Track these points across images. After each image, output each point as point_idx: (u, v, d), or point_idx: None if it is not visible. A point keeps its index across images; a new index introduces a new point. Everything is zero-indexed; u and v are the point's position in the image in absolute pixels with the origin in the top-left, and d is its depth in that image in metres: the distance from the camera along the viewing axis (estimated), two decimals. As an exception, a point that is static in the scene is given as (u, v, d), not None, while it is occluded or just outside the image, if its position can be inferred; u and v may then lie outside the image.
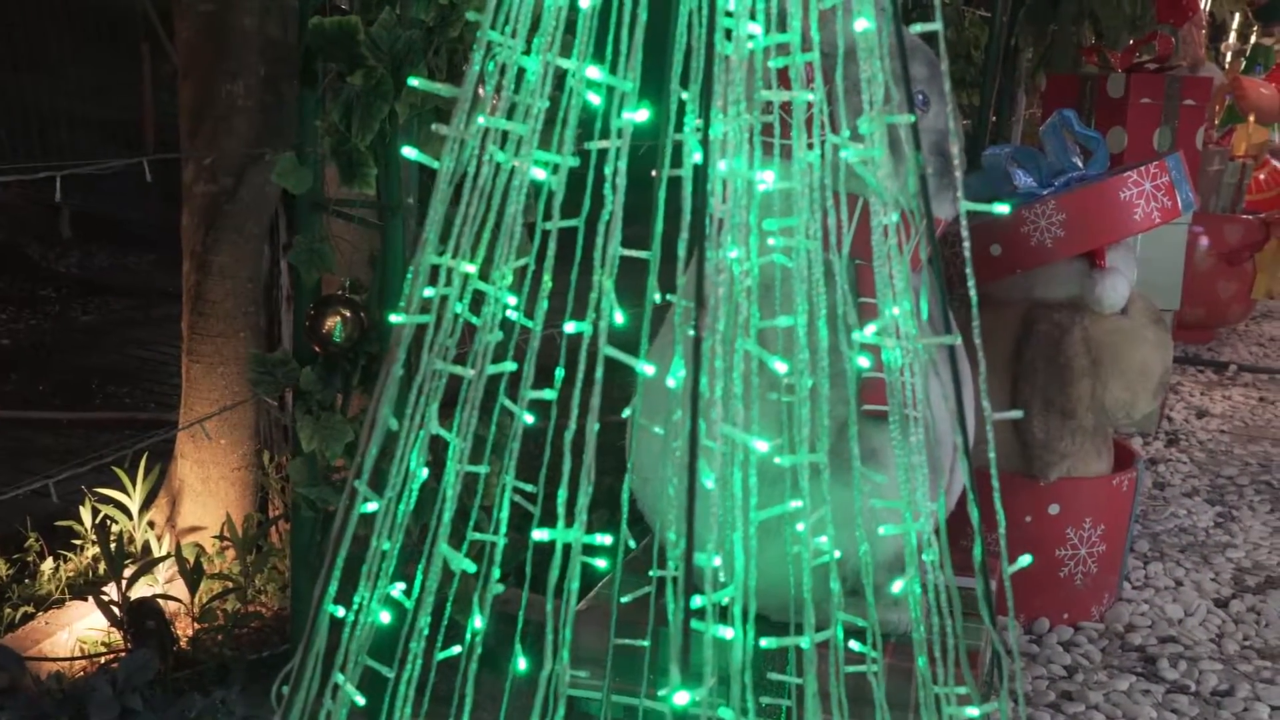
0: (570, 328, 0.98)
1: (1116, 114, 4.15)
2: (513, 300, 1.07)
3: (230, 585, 2.78)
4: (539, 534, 0.97)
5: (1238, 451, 4.34)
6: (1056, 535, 2.95)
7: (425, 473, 1.13)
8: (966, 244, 1.17)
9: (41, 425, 4.62)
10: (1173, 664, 2.78)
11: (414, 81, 1.04)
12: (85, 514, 3.00)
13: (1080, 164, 2.97)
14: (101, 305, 6.23)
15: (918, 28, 1.03)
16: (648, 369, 0.91)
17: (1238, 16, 7.88)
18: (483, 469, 1.15)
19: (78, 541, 3.00)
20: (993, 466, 1.19)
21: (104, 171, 2.38)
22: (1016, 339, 2.92)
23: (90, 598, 2.65)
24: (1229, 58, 7.79)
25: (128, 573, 2.69)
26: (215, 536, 2.91)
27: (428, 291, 1.07)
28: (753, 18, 0.92)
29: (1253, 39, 8.14)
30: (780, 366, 0.94)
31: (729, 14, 0.90)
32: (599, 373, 0.92)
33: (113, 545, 2.79)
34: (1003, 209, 1.01)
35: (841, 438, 1.61)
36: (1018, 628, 2.97)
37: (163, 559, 2.80)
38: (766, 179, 0.93)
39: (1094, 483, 2.96)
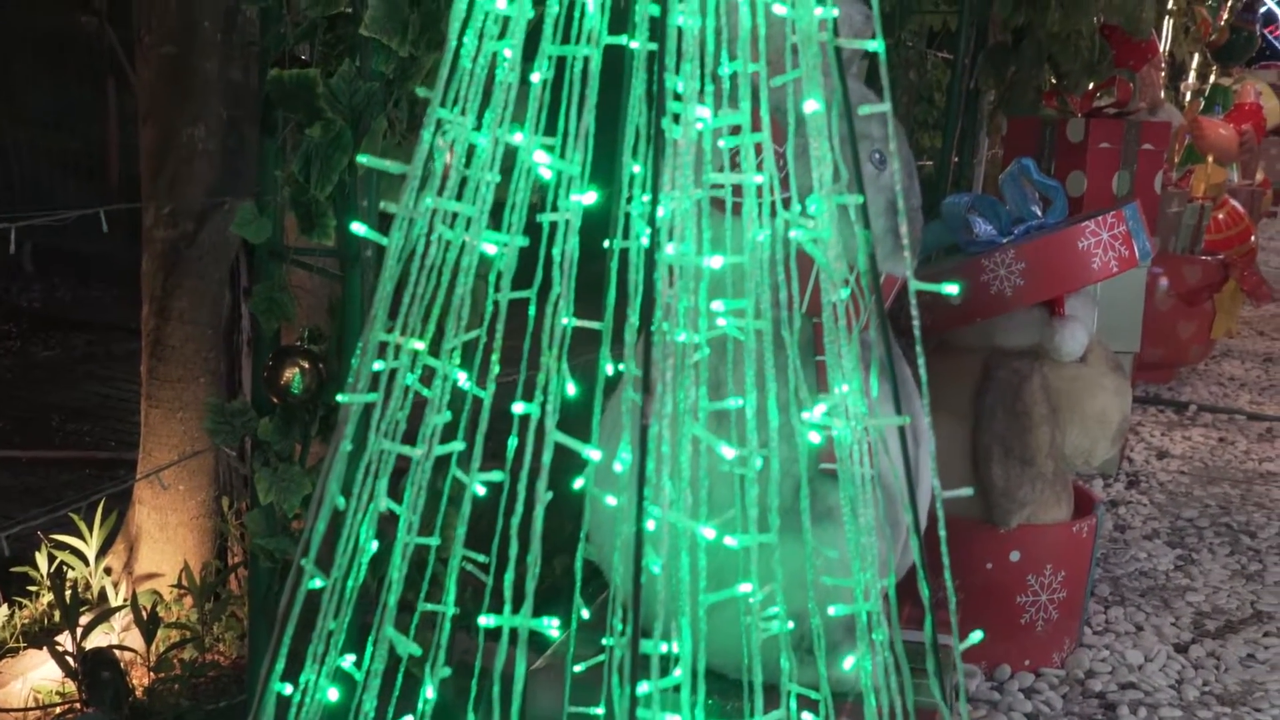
0: (519, 408, 0.98)
1: (1076, 158, 4.19)
2: (463, 376, 1.07)
3: (188, 634, 2.75)
4: (485, 620, 0.96)
5: (1198, 493, 4.37)
6: (1017, 582, 2.96)
7: (375, 545, 1.12)
8: (916, 321, 1.18)
9: (-1, 463, 4.57)
10: (1133, 710, 2.79)
11: (363, 159, 1.04)
12: (41, 559, 2.97)
13: (1040, 212, 3.00)
14: (63, 340, 6.18)
15: (865, 109, 1.04)
16: (594, 454, 0.91)
17: (1197, 57, 7.98)
18: (433, 540, 1.15)
19: (33, 588, 2.97)
20: (941, 528, 1.19)
21: (65, 211, 2.36)
22: (976, 386, 2.94)
23: (45, 647, 2.62)
24: (1188, 97, 7.88)
25: (84, 620, 2.66)
26: (173, 585, 2.89)
27: (377, 365, 1.07)
28: (701, 100, 0.92)
29: (1211, 79, 8.24)
30: (728, 452, 0.94)
31: (677, 97, 0.90)
32: (546, 457, 0.92)
33: (68, 592, 2.76)
34: (952, 289, 1.01)
35: (796, 496, 1.61)
36: (979, 674, 2.97)
37: (118, 609, 2.77)
38: (714, 264, 0.94)
39: (1054, 529, 2.97)
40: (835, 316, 1.03)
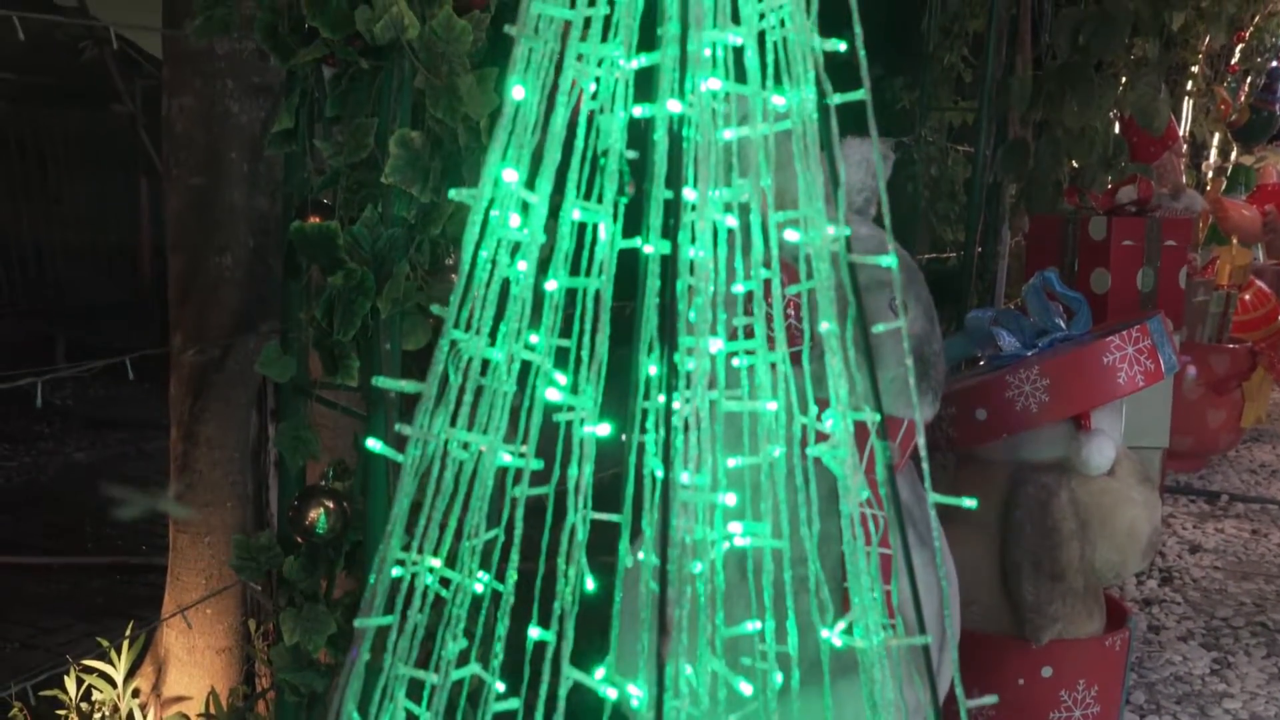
0: (535, 633, 0.98)
1: (1099, 256, 4.19)
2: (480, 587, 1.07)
3: (215, 763, 2.74)
4: None
5: (1232, 589, 4.31)
6: (1050, 698, 2.92)
7: None
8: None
9: (30, 571, 4.60)
10: (1171, 832, 2.74)
11: (379, 381, 1.05)
12: (70, 683, 2.97)
13: (1064, 324, 3.00)
14: (96, 440, 6.24)
15: (880, 328, 1.04)
16: (611, 692, 0.91)
17: (1217, 135, 8.00)
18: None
19: (62, 712, 2.97)
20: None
21: (92, 362, 2.39)
22: (1004, 500, 2.92)
23: (73, 778, 2.62)
24: (1210, 175, 7.89)
25: (110, 750, 2.66)
26: (200, 715, 2.88)
27: (395, 571, 1.08)
28: (714, 331, 0.93)
29: (1233, 156, 8.25)
30: (747, 688, 0.94)
31: (688, 338, 0.91)
32: (562, 692, 0.92)
33: (97, 717, 2.76)
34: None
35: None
36: (1013, 792, 2.93)
37: (146, 737, 2.77)
38: (729, 500, 0.94)
39: (1086, 644, 2.94)
40: (854, 525, 1.03)
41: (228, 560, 2.87)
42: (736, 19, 1.00)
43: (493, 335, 1.05)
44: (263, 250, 2.89)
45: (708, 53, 0.94)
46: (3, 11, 2.45)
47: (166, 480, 3.07)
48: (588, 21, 1.01)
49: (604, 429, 0.96)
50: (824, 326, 0.97)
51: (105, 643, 2.92)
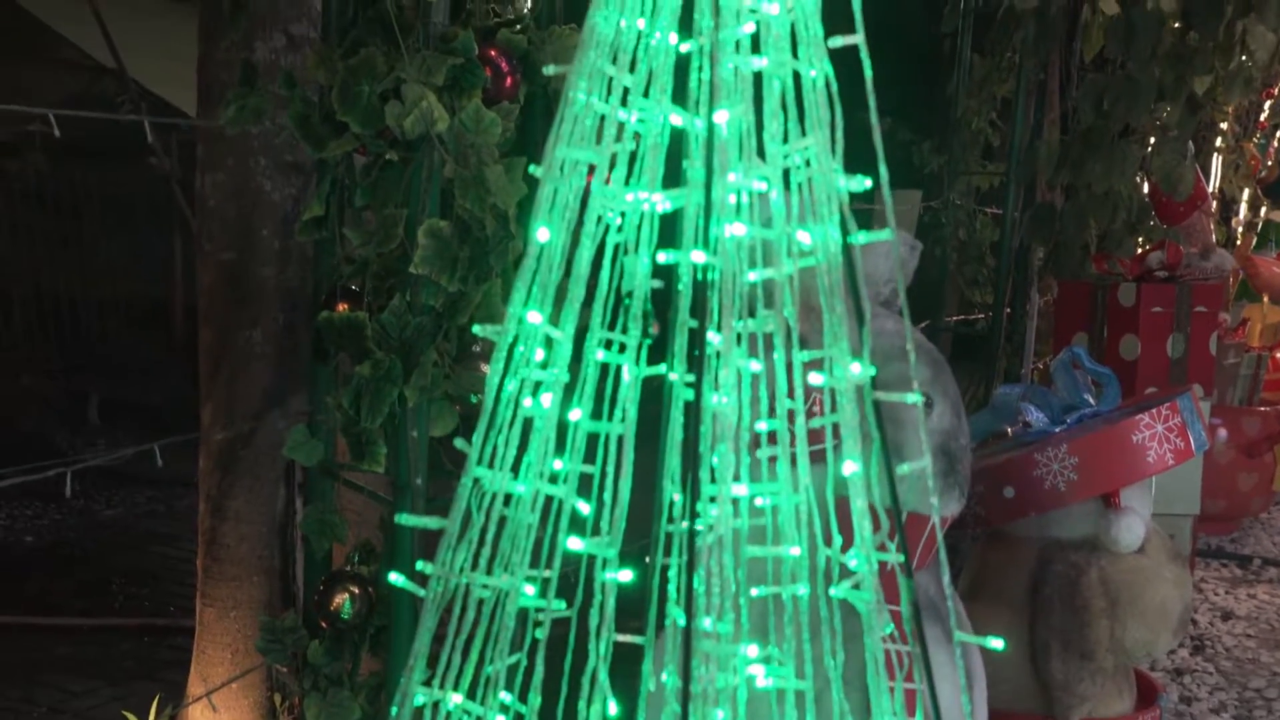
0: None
1: (1129, 322, 4.18)
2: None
3: (239, 841, 2.74)
4: None
5: (1265, 659, 4.25)
6: (1080, 779, 2.89)
7: None
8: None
9: (59, 632, 4.61)
10: None
11: (402, 519, 1.06)
12: (97, 758, 2.98)
13: (1092, 400, 2.99)
14: (126, 497, 6.27)
15: (905, 469, 1.04)
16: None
17: (1247, 191, 7.95)
18: None
19: (88, 786, 2.97)
20: None
21: (122, 449, 2.41)
22: (1032, 577, 2.90)
23: None
24: (1240, 231, 7.84)
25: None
26: (225, 791, 2.88)
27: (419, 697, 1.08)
28: (737, 479, 0.93)
29: (1263, 211, 8.20)
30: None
31: (712, 485, 0.91)
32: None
33: (123, 794, 2.76)
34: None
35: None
36: None
37: (171, 816, 2.77)
38: (751, 652, 0.94)
39: (1117, 723, 2.91)
40: (876, 664, 1.03)
41: (253, 638, 2.88)
42: (762, 154, 1.01)
43: (515, 468, 1.06)
44: (293, 325, 2.91)
45: (732, 199, 0.95)
46: (53, 110, 2.49)
47: (195, 539, 3.09)
48: (613, 159, 1.02)
49: (626, 575, 0.96)
50: (849, 468, 0.97)
51: (132, 718, 2.93)
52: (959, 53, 4.70)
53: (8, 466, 6.42)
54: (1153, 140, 4.73)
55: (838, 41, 0.97)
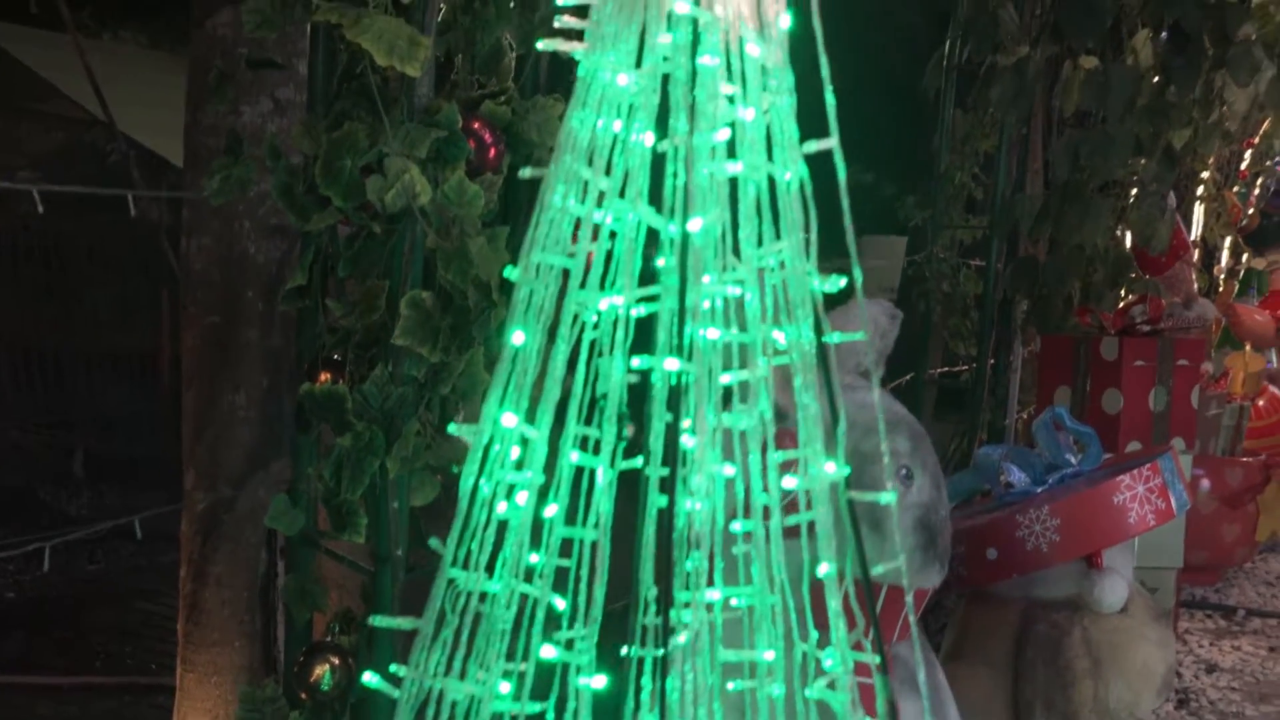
0: None
1: (1111, 376, 4.19)
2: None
3: None
4: None
5: (1250, 712, 4.25)
6: (1066, 841, 2.87)
7: None
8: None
9: (39, 691, 4.57)
10: None
11: (377, 621, 1.06)
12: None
13: (1074, 459, 3.00)
14: (109, 551, 6.23)
15: (881, 569, 1.04)
16: None
17: (1228, 239, 8.00)
18: None
19: None
20: None
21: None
22: (1015, 638, 2.90)
23: None
24: (1222, 278, 7.87)
25: None
26: None
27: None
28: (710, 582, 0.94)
29: (1245, 257, 8.24)
30: None
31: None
32: None
33: None
34: None
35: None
36: None
37: None
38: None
39: (1102, 784, 2.90)
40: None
41: (234, 705, 2.86)
42: (738, 254, 1.02)
43: (490, 567, 1.06)
44: (276, 389, 2.91)
45: (706, 304, 0.96)
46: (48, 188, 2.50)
47: (177, 594, 3.07)
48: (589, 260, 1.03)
49: (600, 681, 0.96)
50: (823, 569, 0.98)
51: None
52: (942, 109, 4.74)
53: (-10, 521, 6.39)
54: (1134, 193, 4.78)
55: (811, 146, 0.98)
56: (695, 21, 0.95)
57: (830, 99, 1.03)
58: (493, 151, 2.14)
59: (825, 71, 1.05)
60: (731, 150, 0.99)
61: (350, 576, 2.64)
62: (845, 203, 1.00)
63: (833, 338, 1.02)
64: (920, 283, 5.00)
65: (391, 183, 2.00)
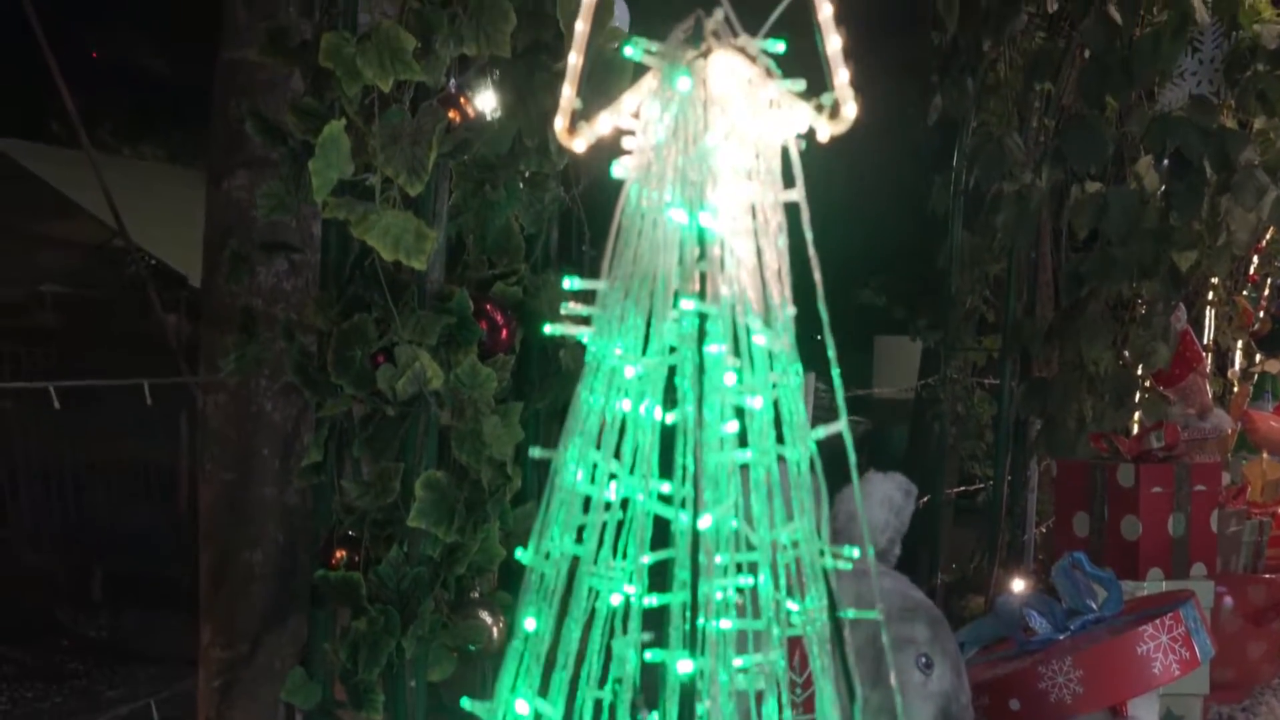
0: None
1: (1129, 503, 4.16)
2: None
3: None
4: None
5: (1285, 843, 4.16)
6: None
7: None
8: None
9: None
10: None
11: None
12: None
13: (1094, 605, 2.98)
14: (128, 676, 6.19)
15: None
16: None
17: (1240, 342, 7.99)
18: None
19: None
20: None
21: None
22: (1042, 788, 2.86)
23: None
24: (1236, 383, 7.85)
25: None
26: None
27: None
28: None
29: (1258, 359, 8.22)
30: None
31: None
32: None
33: None
34: None
35: None
36: None
37: None
38: None
39: None
40: None
41: None
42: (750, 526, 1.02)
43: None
44: (292, 546, 2.92)
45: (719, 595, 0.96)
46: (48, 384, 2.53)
47: (197, 721, 3.04)
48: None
49: None
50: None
51: None
52: (950, 232, 4.77)
53: (8, 645, 6.36)
54: (1142, 314, 4.79)
55: (820, 433, 1.00)
56: (703, 318, 0.97)
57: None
58: (504, 332, 2.17)
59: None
60: (743, 441, 1.01)
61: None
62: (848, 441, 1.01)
63: (848, 614, 1.02)
64: (934, 405, 5.00)
65: (402, 371, 2.02)
